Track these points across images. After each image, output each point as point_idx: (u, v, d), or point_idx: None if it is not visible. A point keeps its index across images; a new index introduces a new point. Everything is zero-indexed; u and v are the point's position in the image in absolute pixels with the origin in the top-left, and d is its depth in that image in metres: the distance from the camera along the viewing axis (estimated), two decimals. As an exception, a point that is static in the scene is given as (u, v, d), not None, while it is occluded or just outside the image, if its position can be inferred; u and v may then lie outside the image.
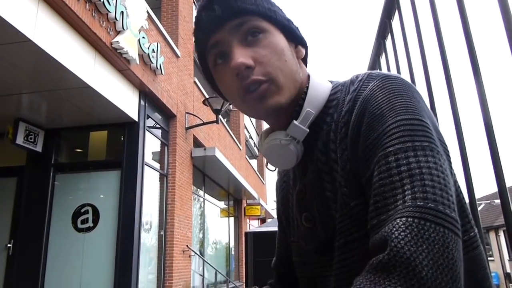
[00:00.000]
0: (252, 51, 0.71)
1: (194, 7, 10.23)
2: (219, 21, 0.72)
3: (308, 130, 0.74)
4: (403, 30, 1.22)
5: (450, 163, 0.62)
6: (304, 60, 0.83)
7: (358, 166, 0.64)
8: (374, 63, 1.69)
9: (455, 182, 0.64)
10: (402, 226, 0.50)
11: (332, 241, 0.70)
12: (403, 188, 0.54)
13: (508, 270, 21.49)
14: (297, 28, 0.80)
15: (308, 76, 0.79)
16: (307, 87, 0.76)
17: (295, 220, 0.84)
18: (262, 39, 0.72)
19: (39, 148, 6.25)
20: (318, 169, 0.73)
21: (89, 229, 6.13)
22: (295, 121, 0.74)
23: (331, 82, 0.81)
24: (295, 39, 0.79)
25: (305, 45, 0.81)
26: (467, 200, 0.67)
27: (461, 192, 0.65)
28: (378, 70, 0.69)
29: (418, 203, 0.51)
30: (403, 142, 0.57)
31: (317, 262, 0.77)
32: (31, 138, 6.10)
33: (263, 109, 0.72)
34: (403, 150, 0.57)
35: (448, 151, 0.63)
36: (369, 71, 0.70)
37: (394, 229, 0.50)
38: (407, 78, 1.22)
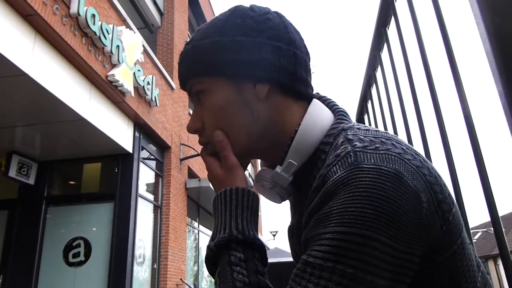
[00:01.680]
0: (203, 112, 0.74)
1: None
2: (182, 84, 0.77)
3: (290, 179, 0.71)
4: (392, 62, 1.25)
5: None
6: (297, 92, 0.72)
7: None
8: (365, 94, 1.72)
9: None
10: None
11: None
12: None
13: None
14: (258, 62, 0.68)
15: (304, 111, 0.72)
16: (296, 131, 0.70)
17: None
18: (204, 100, 0.72)
19: (31, 180, 6.20)
20: (301, 217, 0.70)
21: (80, 263, 5.99)
22: (278, 169, 0.71)
23: (335, 112, 0.74)
24: (252, 77, 0.69)
25: (272, 80, 0.69)
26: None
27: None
28: (361, 153, 0.57)
29: None
30: (326, 260, 0.52)
31: None
32: (23, 171, 6.05)
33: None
34: (320, 268, 0.52)
35: (405, 271, 0.53)
36: (351, 148, 0.59)
37: None
38: (397, 110, 1.24)
